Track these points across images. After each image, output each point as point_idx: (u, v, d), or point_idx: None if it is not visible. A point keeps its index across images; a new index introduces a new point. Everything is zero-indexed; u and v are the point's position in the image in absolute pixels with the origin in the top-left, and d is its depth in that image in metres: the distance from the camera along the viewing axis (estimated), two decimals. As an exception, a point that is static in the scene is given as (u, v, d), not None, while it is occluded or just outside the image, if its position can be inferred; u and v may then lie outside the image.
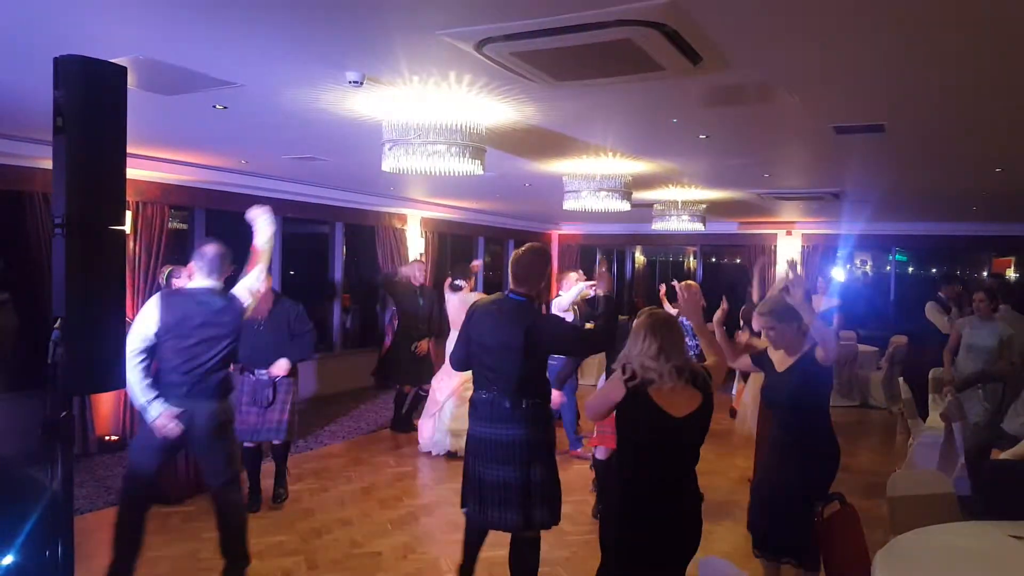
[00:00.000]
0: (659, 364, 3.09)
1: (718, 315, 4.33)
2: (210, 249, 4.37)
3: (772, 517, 3.94)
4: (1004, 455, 4.96)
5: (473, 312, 4.13)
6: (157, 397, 4.07)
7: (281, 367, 5.81)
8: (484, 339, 3.97)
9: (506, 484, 3.89)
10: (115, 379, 2.68)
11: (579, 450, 7.50)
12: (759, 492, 4.11)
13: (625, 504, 3.21)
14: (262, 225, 4.59)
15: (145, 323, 4.15)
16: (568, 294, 6.84)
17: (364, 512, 5.86)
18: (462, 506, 4.11)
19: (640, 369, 3.12)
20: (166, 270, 6.09)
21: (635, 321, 3.26)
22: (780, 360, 4.06)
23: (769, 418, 4.64)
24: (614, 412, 3.26)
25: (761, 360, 4.19)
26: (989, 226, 11.86)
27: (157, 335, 4.14)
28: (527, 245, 4.14)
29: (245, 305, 4.37)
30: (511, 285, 4.06)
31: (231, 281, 4.50)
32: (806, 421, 3.90)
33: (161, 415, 4.05)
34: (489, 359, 3.96)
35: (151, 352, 4.16)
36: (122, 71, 2.66)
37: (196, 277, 4.35)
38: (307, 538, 5.31)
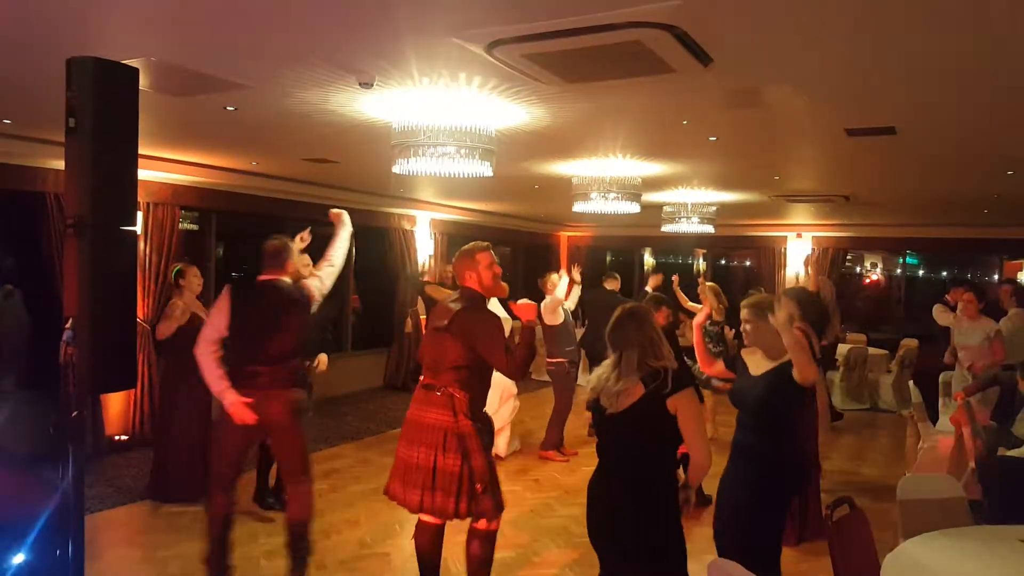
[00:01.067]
0: (607, 382, 3.19)
1: (699, 318, 4.29)
2: (272, 244, 4.51)
3: (723, 521, 3.83)
4: (1011, 453, 4.94)
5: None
6: (231, 387, 4.15)
7: None
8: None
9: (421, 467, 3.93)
10: (126, 379, 2.69)
11: (549, 451, 7.61)
12: (718, 495, 3.98)
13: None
14: (341, 229, 4.99)
15: (218, 315, 4.24)
16: (559, 290, 7.40)
17: (372, 513, 5.86)
18: None
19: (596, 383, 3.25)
20: (175, 267, 6.13)
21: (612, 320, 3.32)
22: (756, 363, 3.83)
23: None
24: None
25: (734, 363, 4.00)
26: (1000, 229, 11.79)
27: (229, 327, 4.22)
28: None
29: (315, 297, 4.50)
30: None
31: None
32: (769, 430, 3.68)
33: (235, 403, 4.12)
34: None
35: (224, 342, 4.25)
36: (134, 72, 2.67)
37: (265, 271, 4.47)
38: (315, 539, 5.30)
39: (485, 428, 4.04)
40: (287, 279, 4.48)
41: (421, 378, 4.15)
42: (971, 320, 6.80)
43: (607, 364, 3.25)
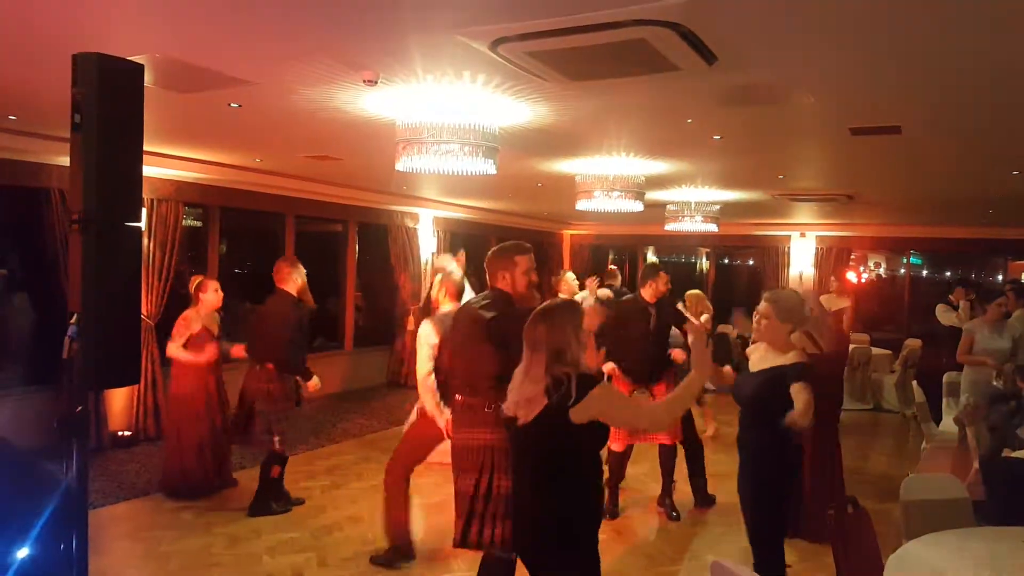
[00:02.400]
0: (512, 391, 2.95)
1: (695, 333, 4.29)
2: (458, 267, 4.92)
3: (745, 513, 3.92)
4: (1016, 454, 4.93)
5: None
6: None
7: None
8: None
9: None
10: (130, 375, 2.70)
11: None
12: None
13: None
14: None
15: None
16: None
17: (375, 509, 5.86)
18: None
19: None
20: (197, 280, 6.09)
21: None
22: (757, 359, 3.90)
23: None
24: None
25: (738, 366, 4.10)
26: (1005, 229, 11.77)
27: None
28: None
29: None
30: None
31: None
32: (764, 425, 3.72)
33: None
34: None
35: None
36: (139, 68, 2.67)
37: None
38: (318, 535, 5.32)
39: None
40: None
41: (457, 397, 3.90)
42: (993, 323, 6.77)
43: (519, 369, 2.95)
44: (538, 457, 2.93)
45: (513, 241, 3.95)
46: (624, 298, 6.40)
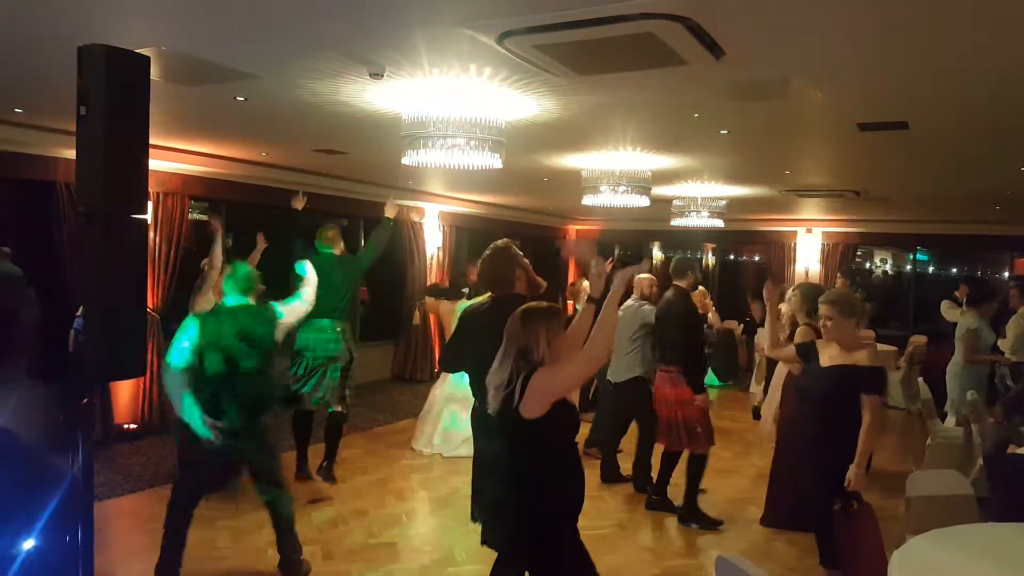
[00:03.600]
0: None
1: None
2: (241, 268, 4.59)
3: (804, 515, 4.10)
4: (1021, 450, 4.92)
5: (463, 318, 4.09)
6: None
7: None
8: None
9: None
10: (135, 367, 2.70)
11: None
12: (792, 485, 4.24)
13: None
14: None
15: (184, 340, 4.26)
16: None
17: (380, 503, 5.88)
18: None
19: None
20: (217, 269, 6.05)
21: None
22: (829, 356, 4.08)
23: (793, 414, 4.76)
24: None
25: (807, 351, 4.23)
26: (1012, 226, 11.73)
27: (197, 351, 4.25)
28: (488, 250, 4.04)
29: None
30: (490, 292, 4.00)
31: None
32: (838, 417, 3.91)
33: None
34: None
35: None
36: (146, 61, 2.67)
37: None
38: (323, 528, 5.34)
39: None
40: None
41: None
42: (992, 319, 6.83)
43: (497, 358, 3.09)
44: (503, 449, 3.08)
45: (504, 241, 4.06)
46: (669, 294, 5.98)
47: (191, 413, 4.10)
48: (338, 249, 6.51)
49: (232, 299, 4.45)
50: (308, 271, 5.05)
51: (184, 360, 4.18)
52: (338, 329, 6.15)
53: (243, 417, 4.26)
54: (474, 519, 4.00)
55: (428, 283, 10.45)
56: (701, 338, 6.04)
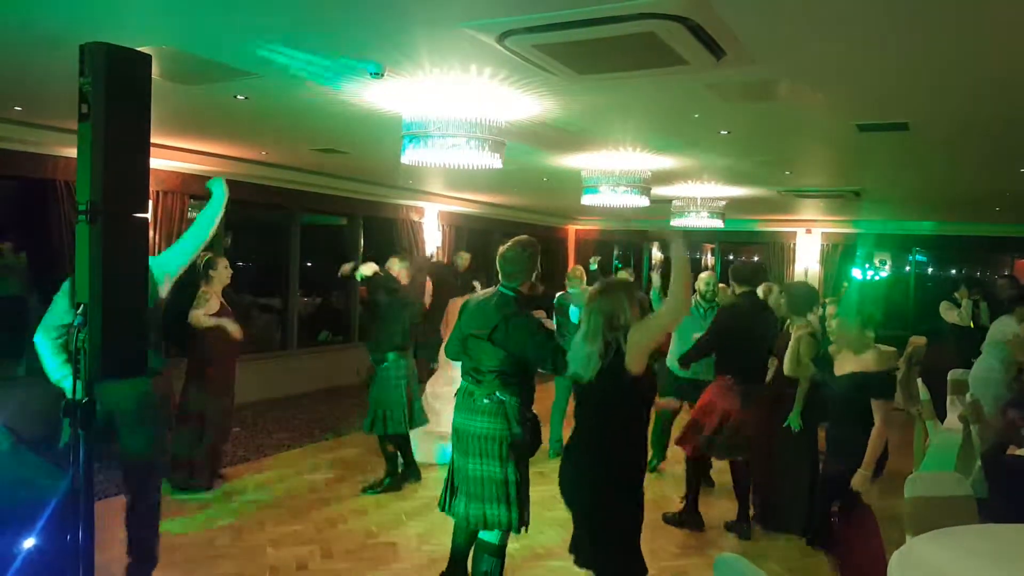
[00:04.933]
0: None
1: None
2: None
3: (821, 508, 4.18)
4: (1020, 451, 4.92)
5: (466, 305, 4.13)
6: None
7: None
8: (470, 332, 3.94)
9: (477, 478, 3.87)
10: (137, 365, 2.70)
11: None
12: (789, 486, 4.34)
13: None
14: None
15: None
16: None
17: (379, 503, 5.88)
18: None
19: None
20: (204, 256, 5.98)
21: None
22: (840, 361, 4.16)
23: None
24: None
25: (823, 361, 4.41)
26: (1012, 227, 11.74)
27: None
28: (513, 239, 4.00)
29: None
30: (500, 279, 3.99)
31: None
32: (854, 422, 4.00)
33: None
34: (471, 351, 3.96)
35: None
36: (147, 59, 2.67)
37: None
38: (322, 528, 5.33)
39: None
40: None
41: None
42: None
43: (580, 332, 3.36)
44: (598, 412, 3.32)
45: (525, 238, 4.00)
46: (742, 295, 5.65)
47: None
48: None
49: None
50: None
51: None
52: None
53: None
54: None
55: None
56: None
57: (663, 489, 6.32)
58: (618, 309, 3.27)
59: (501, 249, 3.97)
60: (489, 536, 3.93)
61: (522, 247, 3.91)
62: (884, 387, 4.03)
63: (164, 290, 4.03)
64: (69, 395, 3.62)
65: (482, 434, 3.82)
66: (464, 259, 10.28)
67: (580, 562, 3.50)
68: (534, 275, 4.04)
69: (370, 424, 6.04)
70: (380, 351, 6.04)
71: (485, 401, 3.84)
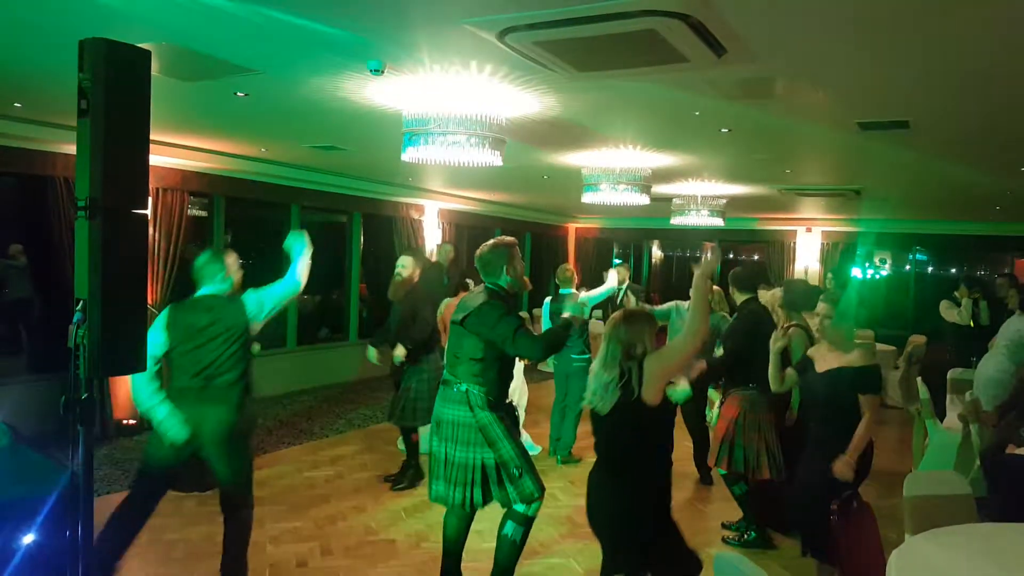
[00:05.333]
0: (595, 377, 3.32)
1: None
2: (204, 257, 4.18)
3: (804, 512, 4.02)
4: (1020, 451, 4.92)
5: (460, 301, 4.31)
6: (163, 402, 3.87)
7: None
8: (454, 320, 4.16)
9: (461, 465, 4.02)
10: (136, 362, 2.69)
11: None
12: (796, 489, 4.16)
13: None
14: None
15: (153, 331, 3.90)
16: (596, 291, 7.07)
17: (378, 500, 5.88)
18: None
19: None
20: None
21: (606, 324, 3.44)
22: (823, 359, 4.07)
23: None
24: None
25: (804, 365, 4.23)
26: (1012, 226, 11.74)
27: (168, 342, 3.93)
28: (491, 240, 4.24)
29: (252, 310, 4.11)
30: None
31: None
32: (837, 421, 3.91)
33: (165, 420, 3.86)
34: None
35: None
36: (147, 55, 2.66)
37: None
38: (321, 525, 5.33)
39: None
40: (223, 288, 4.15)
41: None
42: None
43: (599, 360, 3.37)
44: (613, 444, 3.34)
45: (499, 238, 4.25)
46: (753, 305, 5.49)
47: (159, 413, 3.84)
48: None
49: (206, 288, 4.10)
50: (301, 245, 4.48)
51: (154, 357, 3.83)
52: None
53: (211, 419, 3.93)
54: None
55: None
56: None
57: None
58: (637, 339, 3.28)
59: (477, 251, 4.19)
60: (518, 507, 4.04)
61: (493, 246, 4.15)
62: (872, 381, 3.96)
63: (254, 329, 4.12)
64: (157, 423, 3.84)
65: (456, 422, 4.01)
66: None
67: None
68: (517, 270, 4.15)
69: (398, 414, 6.13)
70: (415, 347, 6.13)
71: (454, 390, 4.03)
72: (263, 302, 4.14)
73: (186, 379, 3.93)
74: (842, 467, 3.78)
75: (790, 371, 4.37)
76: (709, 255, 3.40)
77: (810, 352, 4.23)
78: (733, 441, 5.11)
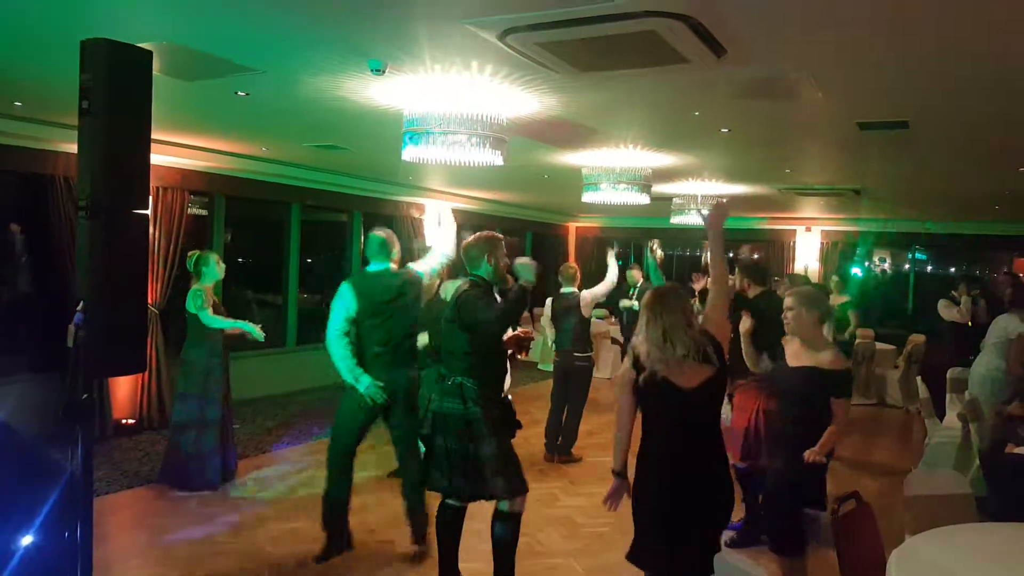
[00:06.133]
0: (664, 352, 3.12)
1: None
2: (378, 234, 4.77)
3: (768, 510, 3.96)
4: (1018, 449, 4.92)
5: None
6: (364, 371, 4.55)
7: None
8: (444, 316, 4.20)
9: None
10: (136, 362, 2.70)
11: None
12: (766, 487, 4.11)
13: (662, 480, 3.21)
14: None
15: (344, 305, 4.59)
16: (599, 288, 7.08)
17: (379, 500, 5.88)
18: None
19: (648, 360, 3.16)
20: (193, 254, 5.97)
21: (643, 301, 3.31)
22: (793, 353, 4.01)
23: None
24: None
25: (774, 353, 4.19)
26: (1011, 225, 11.75)
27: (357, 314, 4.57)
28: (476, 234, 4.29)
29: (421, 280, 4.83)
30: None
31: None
32: (810, 418, 3.85)
33: (368, 386, 4.53)
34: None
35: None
36: (148, 55, 2.67)
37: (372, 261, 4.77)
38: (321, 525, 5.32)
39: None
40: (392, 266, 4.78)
41: None
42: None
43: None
44: (710, 413, 3.29)
45: (482, 232, 4.28)
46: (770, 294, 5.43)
47: (354, 375, 4.54)
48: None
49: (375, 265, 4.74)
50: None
51: (342, 326, 4.56)
52: None
53: (395, 377, 4.62)
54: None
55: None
56: None
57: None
58: (690, 314, 3.22)
59: (463, 244, 4.27)
60: (502, 506, 4.09)
61: (475, 239, 4.20)
62: (843, 385, 3.87)
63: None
64: (365, 393, 4.52)
65: (450, 414, 4.02)
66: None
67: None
68: (498, 262, 4.15)
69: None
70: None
71: (448, 383, 4.06)
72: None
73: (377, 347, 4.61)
74: (812, 454, 3.72)
75: (766, 357, 4.35)
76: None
77: (784, 340, 4.14)
78: (757, 431, 4.94)
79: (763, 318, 4.75)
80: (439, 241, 5.15)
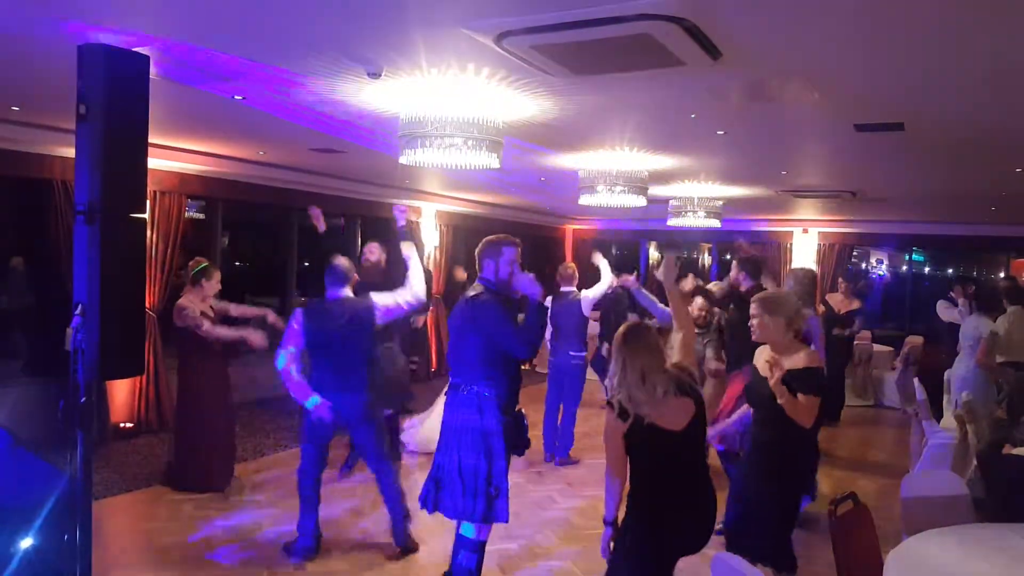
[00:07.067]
0: (645, 391, 3.14)
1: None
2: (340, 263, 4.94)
3: (749, 522, 3.85)
4: (1016, 450, 4.93)
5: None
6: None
7: None
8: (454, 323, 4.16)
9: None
10: (134, 366, 2.71)
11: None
12: (737, 497, 3.97)
13: (654, 519, 3.33)
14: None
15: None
16: (596, 289, 7.10)
17: (375, 503, 5.88)
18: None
19: (629, 404, 3.17)
20: (200, 263, 6.00)
21: (613, 343, 3.32)
22: (763, 364, 3.81)
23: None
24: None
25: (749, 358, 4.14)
26: (1008, 227, 11.76)
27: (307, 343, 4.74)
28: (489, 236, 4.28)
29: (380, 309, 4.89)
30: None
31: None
32: (781, 426, 3.71)
33: (317, 406, 4.68)
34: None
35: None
36: (145, 60, 2.68)
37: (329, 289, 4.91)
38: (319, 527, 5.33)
39: None
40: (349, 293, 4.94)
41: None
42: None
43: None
44: (700, 450, 3.43)
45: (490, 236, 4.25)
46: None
47: (302, 395, 4.69)
48: None
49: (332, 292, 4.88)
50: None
51: (290, 352, 4.74)
52: None
53: (345, 402, 4.73)
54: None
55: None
56: None
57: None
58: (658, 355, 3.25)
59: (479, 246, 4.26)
60: (465, 530, 3.98)
61: (484, 243, 4.19)
62: (811, 380, 3.68)
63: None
64: (312, 413, 4.70)
65: (463, 427, 3.92)
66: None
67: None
68: (507, 268, 4.08)
69: None
70: None
71: (464, 394, 3.95)
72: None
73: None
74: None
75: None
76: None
77: (757, 352, 3.99)
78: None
79: (745, 318, 4.61)
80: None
